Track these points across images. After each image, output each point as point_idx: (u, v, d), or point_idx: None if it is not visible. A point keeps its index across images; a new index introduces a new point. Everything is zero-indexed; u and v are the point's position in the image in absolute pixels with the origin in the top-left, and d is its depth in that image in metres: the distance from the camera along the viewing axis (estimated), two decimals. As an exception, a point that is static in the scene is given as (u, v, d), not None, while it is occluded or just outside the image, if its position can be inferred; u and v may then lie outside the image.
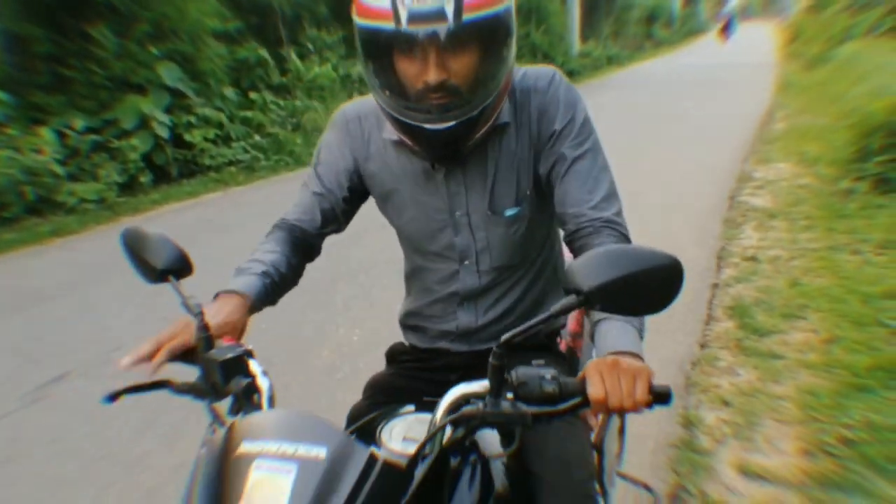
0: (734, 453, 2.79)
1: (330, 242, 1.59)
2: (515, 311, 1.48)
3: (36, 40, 7.79)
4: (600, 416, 1.54)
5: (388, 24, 1.13)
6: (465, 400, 0.99)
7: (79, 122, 7.85)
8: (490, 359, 0.94)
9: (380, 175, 1.45)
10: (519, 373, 0.95)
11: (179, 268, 1.18)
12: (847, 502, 2.44)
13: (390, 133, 1.38)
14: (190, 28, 9.24)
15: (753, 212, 6.38)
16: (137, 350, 1.13)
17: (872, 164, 6.48)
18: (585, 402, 0.96)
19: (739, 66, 20.98)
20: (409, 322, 1.61)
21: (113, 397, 1.13)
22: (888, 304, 4.02)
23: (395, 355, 1.65)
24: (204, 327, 1.11)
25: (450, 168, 1.38)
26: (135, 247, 1.21)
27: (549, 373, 0.94)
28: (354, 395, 1.62)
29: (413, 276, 1.58)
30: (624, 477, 2.26)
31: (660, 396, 0.97)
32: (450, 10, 1.11)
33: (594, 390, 0.95)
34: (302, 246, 1.48)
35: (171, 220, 7.00)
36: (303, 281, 1.51)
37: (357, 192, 1.50)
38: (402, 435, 1.18)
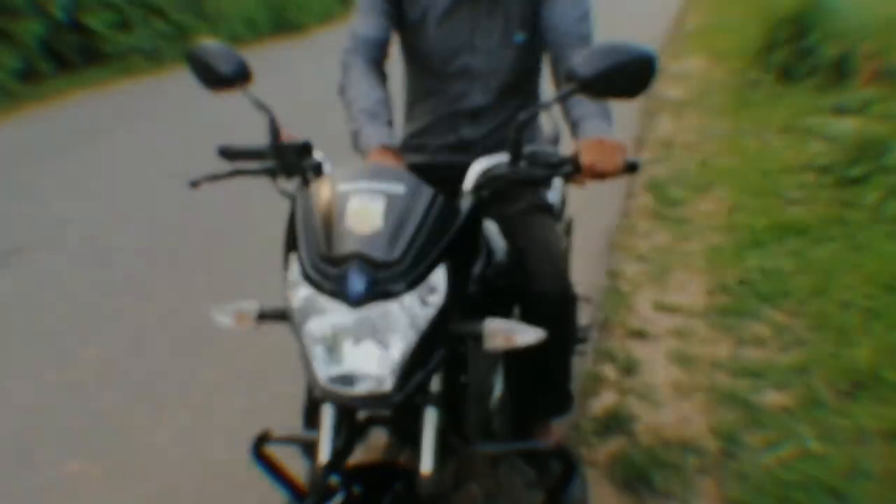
0: (650, 295, 3.26)
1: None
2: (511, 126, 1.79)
3: None
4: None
5: None
6: (489, 170, 1.31)
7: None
8: (511, 133, 1.25)
9: (416, 2, 1.68)
10: (529, 147, 1.28)
11: (244, 74, 1.43)
12: (739, 323, 2.94)
13: None
14: None
15: (668, 103, 6.83)
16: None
17: (777, 55, 6.99)
18: (578, 169, 1.30)
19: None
20: (411, 143, 1.88)
21: (195, 183, 1.41)
22: (783, 178, 4.55)
23: None
24: (273, 121, 1.38)
25: (485, 1, 1.64)
26: (200, 59, 1.43)
27: (552, 148, 1.27)
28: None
29: (421, 99, 1.82)
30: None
31: (632, 166, 1.32)
32: None
33: (587, 157, 1.29)
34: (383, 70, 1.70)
35: (84, 109, 6.89)
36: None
37: (393, 18, 1.71)
38: None
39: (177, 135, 5.63)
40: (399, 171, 1.20)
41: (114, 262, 3.65)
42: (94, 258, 3.71)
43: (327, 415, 1.25)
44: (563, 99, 1.25)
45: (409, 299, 1.08)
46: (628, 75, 1.20)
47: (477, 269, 1.36)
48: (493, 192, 1.30)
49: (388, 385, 1.09)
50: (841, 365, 2.59)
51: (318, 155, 1.40)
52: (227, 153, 1.44)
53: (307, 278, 1.12)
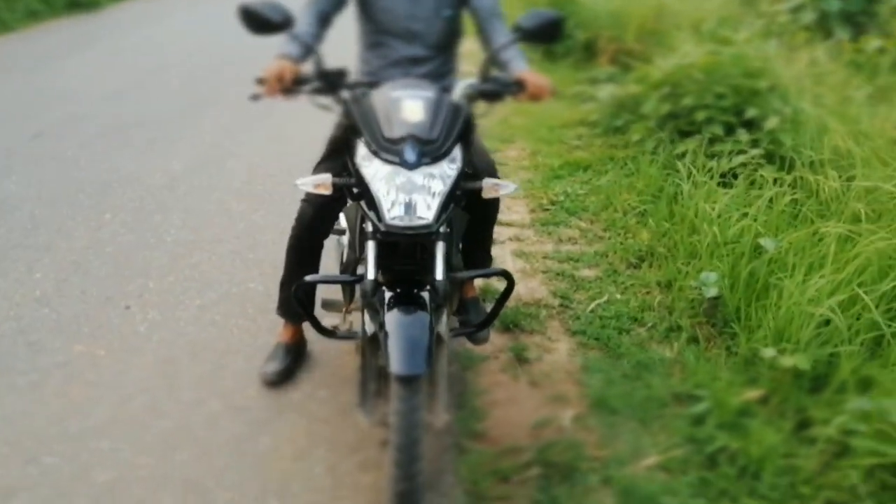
0: (487, 216, 4.22)
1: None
2: (441, 72, 2.55)
3: None
4: None
5: None
6: (468, 86, 2.09)
7: None
8: (484, 61, 2.06)
9: None
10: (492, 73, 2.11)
11: (289, 19, 2.01)
12: (555, 230, 3.99)
13: None
14: None
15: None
16: (267, 87, 2.03)
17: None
18: (523, 88, 2.09)
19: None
20: (369, 78, 2.57)
21: (254, 98, 2.06)
22: (565, 131, 5.74)
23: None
24: (318, 55, 2.04)
25: None
26: (252, 12, 1.97)
27: (504, 75, 2.10)
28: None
29: (375, 48, 2.46)
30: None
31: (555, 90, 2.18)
32: None
33: (532, 81, 2.11)
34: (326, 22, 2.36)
35: None
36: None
37: None
38: None
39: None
40: (426, 84, 1.98)
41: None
42: None
43: (371, 248, 1.98)
44: (512, 43, 2.11)
45: (444, 165, 1.86)
46: (551, 29, 2.07)
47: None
48: None
49: (431, 220, 1.84)
50: (628, 248, 3.71)
51: (350, 77, 2.10)
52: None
53: (375, 154, 1.86)
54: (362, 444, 2.37)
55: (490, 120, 6.41)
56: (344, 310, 2.48)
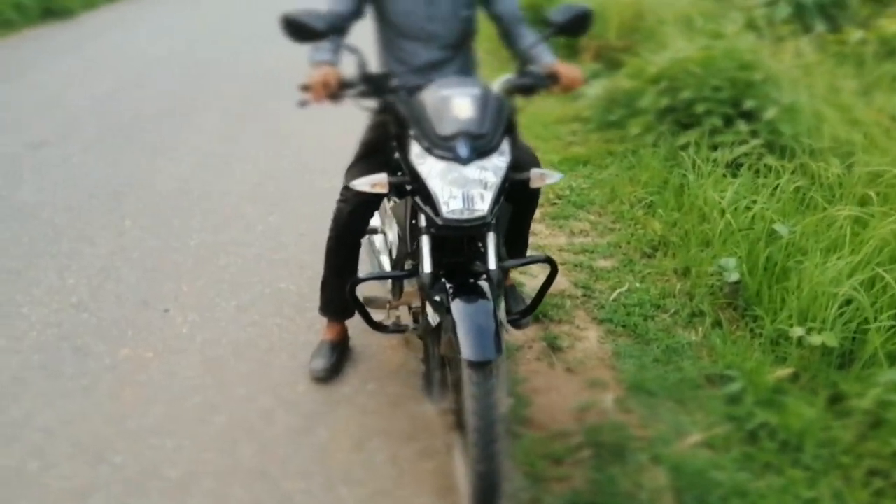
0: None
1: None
2: (461, 75, 2.63)
3: None
4: None
5: None
6: (507, 81, 2.18)
7: None
8: (519, 56, 2.15)
9: None
10: (527, 68, 2.20)
11: (331, 27, 2.09)
12: (566, 223, 4.10)
13: None
14: None
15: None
16: (314, 95, 2.09)
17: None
18: (557, 81, 2.21)
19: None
20: (405, 82, 2.64)
21: (303, 105, 2.13)
22: (560, 127, 5.86)
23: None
24: (362, 58, 2.09)
25: None
26: (296, 21, 2.02)
27: (537, 68, 2.19)
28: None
29: (394, 52, 2.48)
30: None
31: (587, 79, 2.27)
32: None
33: (568, 71, 2.21)
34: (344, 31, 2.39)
35: None
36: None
37: None
38: None
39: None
40: (474, 80, 2.06)
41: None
42: None
43: (426, 242, 2.04)
44: (546, 38, 2.19)
45: (494, 158, 1.94)
46: (582, 22, 2.17)
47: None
48: None
49: (486, 212, 1.91)
50: (641, 238, 3.84)
51: (394, 81, 2.16)
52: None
53: (428, 151, 1.94)
54: (418, 433, 2.45)
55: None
56: (389, 305, 2.55)
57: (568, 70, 2.23)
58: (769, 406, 2.53)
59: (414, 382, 2.68)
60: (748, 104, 4.22)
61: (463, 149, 1.89)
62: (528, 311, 2.42)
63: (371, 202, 2.51)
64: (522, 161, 2.41)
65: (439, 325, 2.05)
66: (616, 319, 3.16)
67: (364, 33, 2.61)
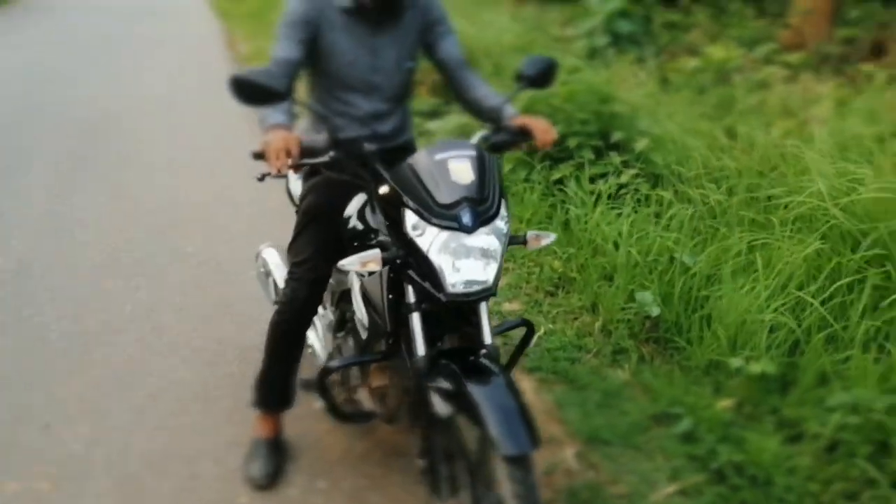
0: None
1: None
2: (401, 127, 2.44)
3: None
4: None
5: None
6: (483, 138, 2.03)
7: None
8: (489, 111, 2.07)
9: (330, 33, 2.20)
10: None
11: (290, 87, 1.88)
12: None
13: (343, 1, 2.17)
14: None
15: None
16: (273, 165, 1.83)
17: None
18: (530, 136, 2.09)
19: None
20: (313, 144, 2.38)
21: (262, 178, 1.89)
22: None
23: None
24: (331, 123, 1.93)
25: (381, 33, 2.23)
26: (249, 82, 1.79)
27: (513, 126, 2.07)
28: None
29: (334, 105, 2.28)
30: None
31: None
32: None
33: (539, 124, 2.08)
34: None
35: None
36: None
37: (308, 45, 2.19)
38: None
39: None
40: (467, 143, 1.89)
41: None
42: None
43: (416, 320, 1.86)
44: (518, 92, 2.08)
45: (497, 223, 1.80)
46: (549, 73, 2.11)
47: None
48: None
49: (490, 283, 1.78)
50: (540, 276, 3.80)
51: (368, 146, 1.94)
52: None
53: (427, 221, 1.74)
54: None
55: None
56: (349, 391, 2.34)
57: (539, 124, 2.13)
58: (727, 441, 2.54)
59: (368, 471, 2.42)
60: (616, 136, 4.34)
61: (467, 217, 1.75)
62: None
63: (324, 278, 2.27)
64: None
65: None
66: (545, 367, 3.08)
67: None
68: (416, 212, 1.77)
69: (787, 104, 4.41)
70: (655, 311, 3.12)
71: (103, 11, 13.89)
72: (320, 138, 1.92)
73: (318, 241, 2.27)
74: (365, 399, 2.28)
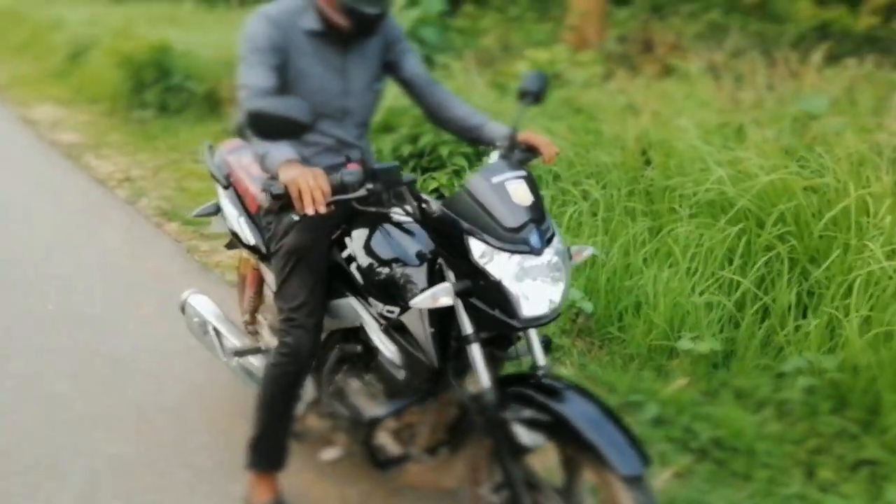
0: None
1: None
2: (368, 152, 2.27)
3: None
4: None
5: None
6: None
7: None
8: (507, 137, 1.99)
9: (299, 58, 2.01)
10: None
11: (311, 118, 1.68)
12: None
13: (310, 23, 1.99)
14: None
15: (76, 146, 6.81)
16: (309, 206, 1.64)
17: (150, 94, 7.65)
18: (537, 154, 2.06)
19: None
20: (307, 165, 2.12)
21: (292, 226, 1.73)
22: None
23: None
24: (364, 154, 1.78)
25: (349, 55, 2.07)
26: (271, 117, 1.62)
27: (521, 146, 2.02)
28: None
29: (302, 139, 1.95)
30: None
31: None
32: None
33: (541, 140, 2.04)
34: None
35: None
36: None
37: (279, 71, 1.99)
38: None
39: None
40: (514, 164, 1.81)
41: None
42: None
43: (477, 352, 1.76)
44: (525, 109, 2.04)
45: (556, 241, 1.74)
46: (544, 88, 2.11)
47: None
48: None
49: (559, 303, 1.74)
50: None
51: (406, 175, 1.80)
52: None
53: (495, 248, 1.66)
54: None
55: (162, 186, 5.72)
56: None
57: (541, 140, 2.11)
58: (699, 420, 2.67)
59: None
60: (485, 142, 4.41)
61: (535, 238, 1.70)
62: None
63: (322, 319, 2.07)
64: None
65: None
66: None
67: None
68: (482, 239, 1.68)
69: (631, 101, 4.73)
70: (588, 306, 3.20)
71: None
72: (350, 171, 1.74)
73: (312, 281, 2.10)
74: (387, 441, 2.10)
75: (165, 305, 3.59)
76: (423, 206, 1.77)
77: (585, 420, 1.64)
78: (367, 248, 2.01)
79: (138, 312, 3.53)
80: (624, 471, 1.56)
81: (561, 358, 3.16)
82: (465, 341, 1.78)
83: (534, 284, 1.69)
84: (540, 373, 1.82)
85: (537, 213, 1.72)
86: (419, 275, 1.90)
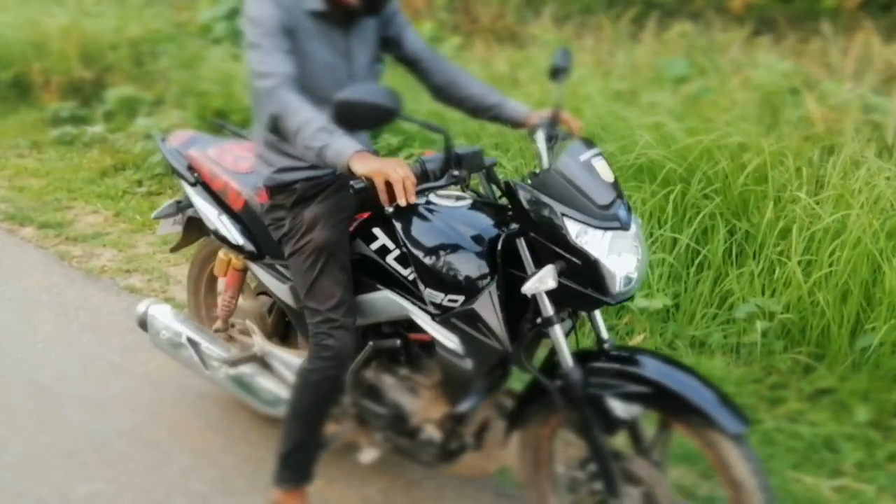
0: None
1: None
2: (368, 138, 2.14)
3: None
4: None
5: None
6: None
7: None
8: (545, 120, 1.92)
9: (305, 40, 1.85)
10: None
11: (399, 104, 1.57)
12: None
13: (313, 3, 1.83)
14: None
15: None
16: (401, 197, 1.56)
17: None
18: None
19: None
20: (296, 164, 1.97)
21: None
22: (112, 181, 4.92)
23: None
24: (448, 136, 1.68)
25: (352, 35, 1.92)
26: (360, 105, 1.53)
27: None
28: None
29: None
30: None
31: None
32: None
33: (570, 116, 2.00)
34: None
35: None
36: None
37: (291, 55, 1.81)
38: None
39: None
40: (588, 141, 1.79)
41: None
42: None
43: (560, 333, 1.76)
44: (562, 85, 2.00)
45: (635, 216, 1.76)
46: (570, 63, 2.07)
47: None
48: None
49: (643, 275, 1.77)
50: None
51: (488, 158, 1.75)
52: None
53: (588, 225, 1.66)
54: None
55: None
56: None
57: (567, 115, 2.05)
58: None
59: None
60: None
61: (624, 213, 1.72)
62: None
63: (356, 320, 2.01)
64: None
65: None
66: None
67: None
68: (577, 219, 1.66)
69: (506, 71, 4.82)
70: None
71: None
72: (429, 158, 1.66)
73: (344, 278, 1.97)
74: (433, 432, 2.02)
75: (65, 320, 3.20)
76: (512, 188, 1.71)
77: (685, 386, 1.69)
78: (415, 238, 1.89)
79: (40, 332, 3.08)
80: (732, 429, 1.63)
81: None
82: (546, 323, 1.76)
83: (620, 259, 1.69)
84: (606, 346, 1.84)
85: (619, 188, 1.73)
86: (481, 260, 1.84)
